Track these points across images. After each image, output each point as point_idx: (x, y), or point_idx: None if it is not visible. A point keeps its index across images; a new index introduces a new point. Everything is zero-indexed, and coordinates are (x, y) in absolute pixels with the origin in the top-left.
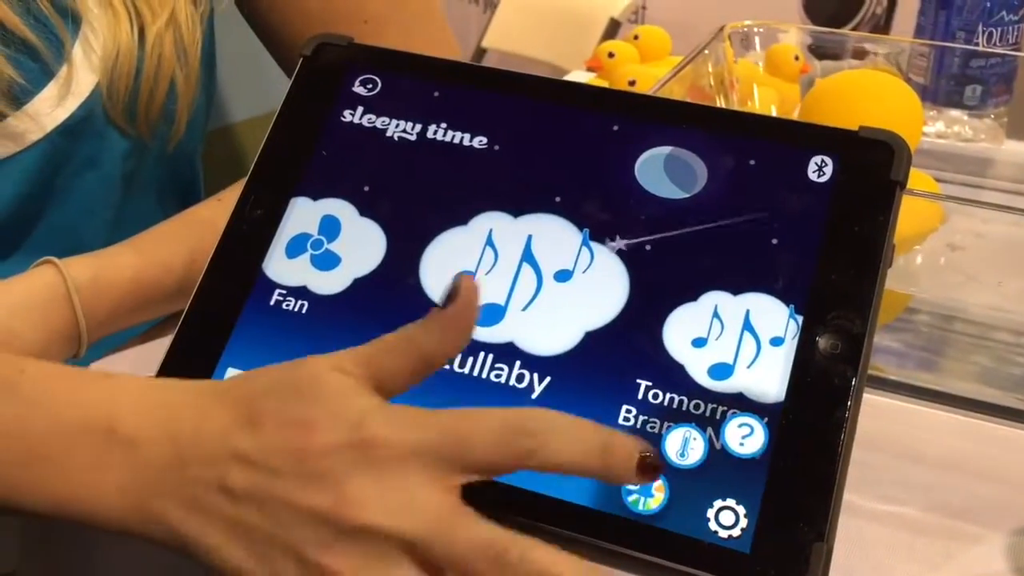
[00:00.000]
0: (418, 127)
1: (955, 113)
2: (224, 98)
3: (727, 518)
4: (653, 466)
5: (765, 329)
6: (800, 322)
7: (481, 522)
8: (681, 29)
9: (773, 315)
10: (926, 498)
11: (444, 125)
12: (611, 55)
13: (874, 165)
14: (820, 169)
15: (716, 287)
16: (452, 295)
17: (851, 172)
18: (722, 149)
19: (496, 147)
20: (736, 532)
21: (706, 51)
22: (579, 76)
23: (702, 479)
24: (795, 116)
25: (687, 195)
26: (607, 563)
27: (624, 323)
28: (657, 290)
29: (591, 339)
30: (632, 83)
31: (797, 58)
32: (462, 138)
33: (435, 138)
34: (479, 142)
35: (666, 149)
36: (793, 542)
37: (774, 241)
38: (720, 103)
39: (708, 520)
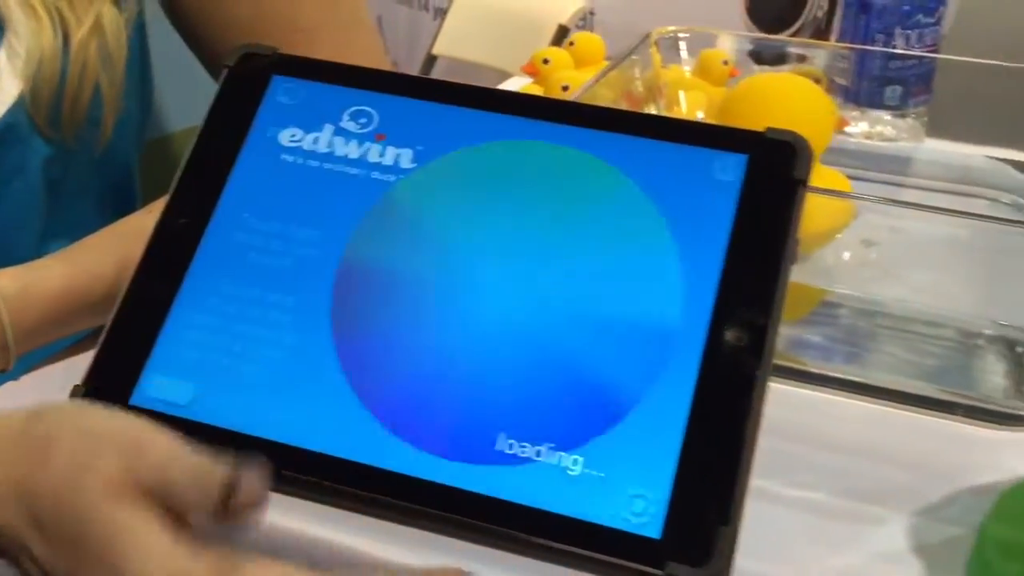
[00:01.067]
0: (344, 138)
1: (877, 113)
2: (165, 107)
3: (638, 505)
4: None
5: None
6: (708, 315)
7: None
8: (628, 34)
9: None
10: (836, 483)
11: (369, 136)
12: (546, 61)
13: (778, 164)
14: (727, 169)
15: None
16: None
17: (756, 171)
18: (633, 150)
19: (419, 153)
20: (646, 519)
21: (635, 56)
22: (516, 81)
23: (614, 468)
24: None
25: None
26: (522, 553)
27: None
28: None
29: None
30: (565, 88)
31: (726, 63)
32: (386, 151)
33: (359, 150)
34: (402, 154)
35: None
36: (700, 527)
37: (683, 239)
38: (651, 108)
39: (619, 507)
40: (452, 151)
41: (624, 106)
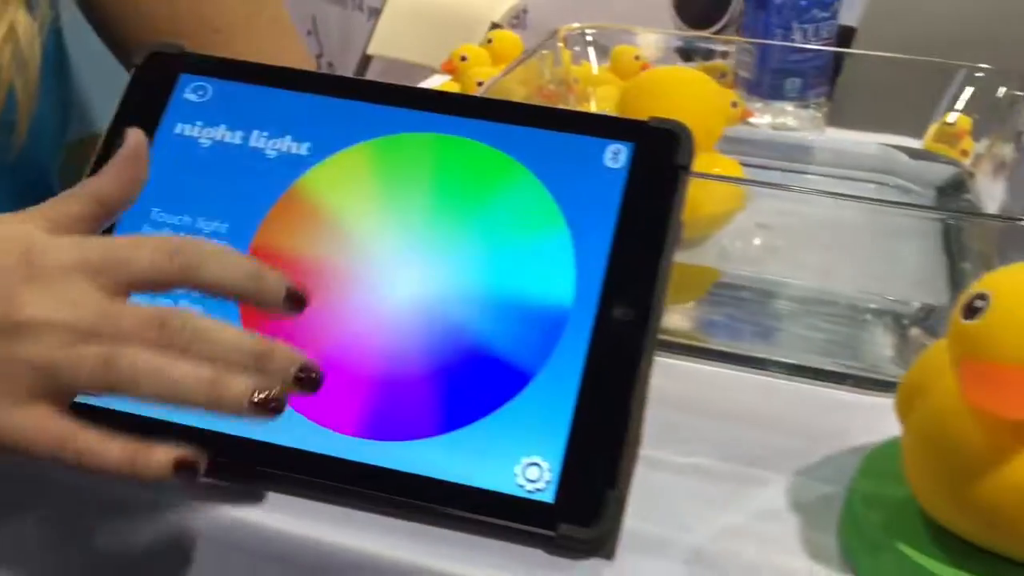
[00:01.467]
0: (250, 134)
1: (780, 105)
2: (87, 108)
3: (533, 473)
4: (299, 298)
5: None
6: (598, 294)
7: (143, 307)
8: None
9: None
10: (724, 450)
11: (275, 131)
12: (464, 59)
13: (661, 151)
14: (615, 156)
15: None
16: (122, 146)
17: (642, 158)
18: (527, 140)
19: (324, 146)
20: (541, 485)
21: (545, 52)
22: (436, 79)
23: (511, 439)
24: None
25: None
26: (429, 522)
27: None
28: None
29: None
30: (481, 84)
31: (637, 58)
32: (291, 144)
33: (265, 145)
34: (306, 148)
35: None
36: (589, 491)
37: (575, 223)
38: (563, 103)
39: (515, 475)
40: (355, 144)
41: (538, 102)
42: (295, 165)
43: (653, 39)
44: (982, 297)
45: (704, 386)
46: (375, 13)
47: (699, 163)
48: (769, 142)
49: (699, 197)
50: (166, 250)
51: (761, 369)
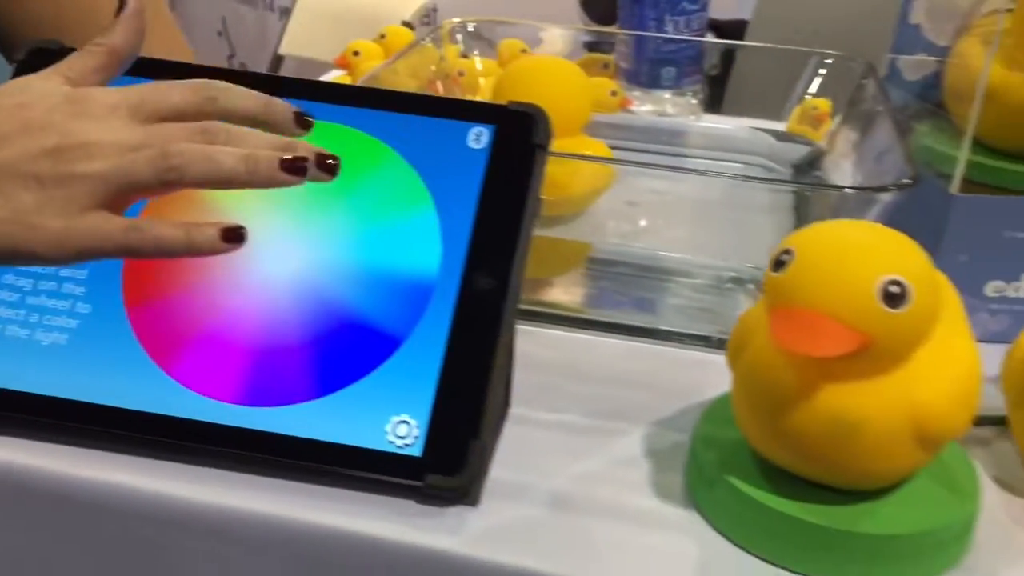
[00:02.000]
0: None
1: (658, 93)
2: None
3: (402, 430)
4: (306, 120)
5: None
6: (462, 265)
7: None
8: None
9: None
10: (588, 407)
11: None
12: (356, 53)
13: (520, 132)
14: (478, 138)
15: None
16: (121, 4)
17: (502, 139)
18: (396, 125)
19: None
20: (410, 440)
21: (427, 43)
22: (332, 74)
23: (383, 399)
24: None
25: None
26: (311, 481)
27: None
28: None
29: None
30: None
31: (524, 51)
32: None
33: None
34: None
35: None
36: (454, 443)
37: (442, 200)
38: (451, 93)
39: (386, 433)
40: None
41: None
42: None
43: (541, 32)
44: (787, 252)
45: (577, 352)
46: (286, 13)
47: (569, 146)
48: (649, 128)
49: (569, 177)
50: (192, 87)
51: (631, 335)
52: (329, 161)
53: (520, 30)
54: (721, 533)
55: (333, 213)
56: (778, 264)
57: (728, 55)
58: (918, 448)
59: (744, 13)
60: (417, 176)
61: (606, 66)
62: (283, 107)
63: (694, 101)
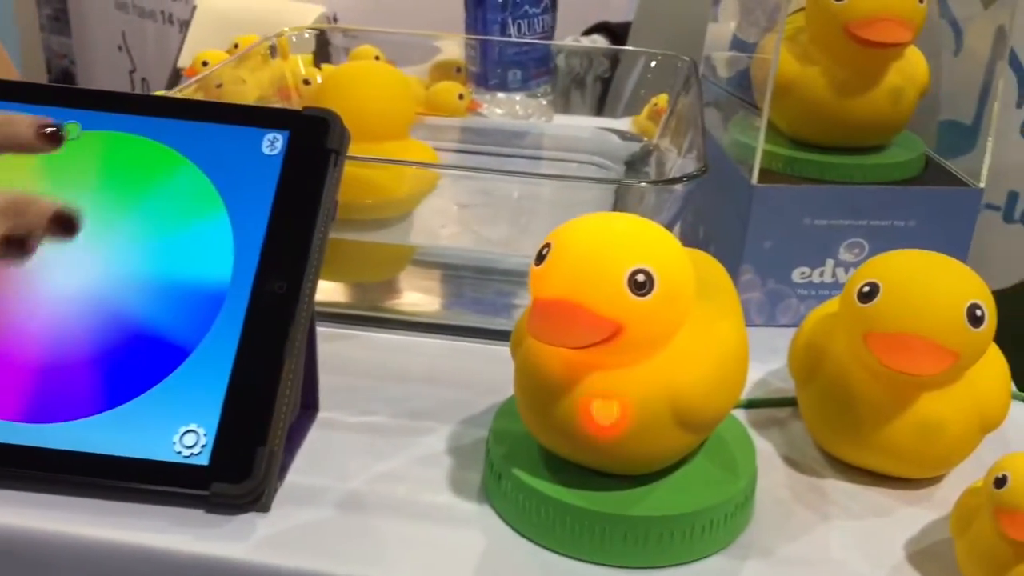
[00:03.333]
0: None
1: (507, 96)
2: None
3: (189, 439)
4: (52, 134)
5: None
6: (254, 271)
7: None
8: (368, 38)
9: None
10: (400, 408)
11: None
12: (205, 63)
13: (314, 137)
14: (272, 144)
15: None
16: None
17: (296, 144)
18: (190, 134)
19: None
20: (197, 450)
21: (265, 53)
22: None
23: (170, 410)
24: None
25: None
26: (97, 496)
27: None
28: None
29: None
30: (219, 86)
31: (377, 58)
32: None
33: None
34: None
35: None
36: (241, 450)
37: (235, 208)
38: (292, 102)
39: (173, 443)
40: None
41: (276, 101)
42: None
43: (387, 38)
44: (547, 246)
45: (390, 353)
46: (186, 26)
47: (392, 149)
48: (496, 130)
49: (391, 180)
50: None
51: (453, 335)
52: (47, 130)
53: (375, 37)
54: (509, 525)
55: (124, 224)
56: (540, 258)
57: (616, 58)
58: (682, 431)
59: (628, 16)
60: (211, 184)
61: (459, 70)
62: (24, 121)
63: (544, 102)
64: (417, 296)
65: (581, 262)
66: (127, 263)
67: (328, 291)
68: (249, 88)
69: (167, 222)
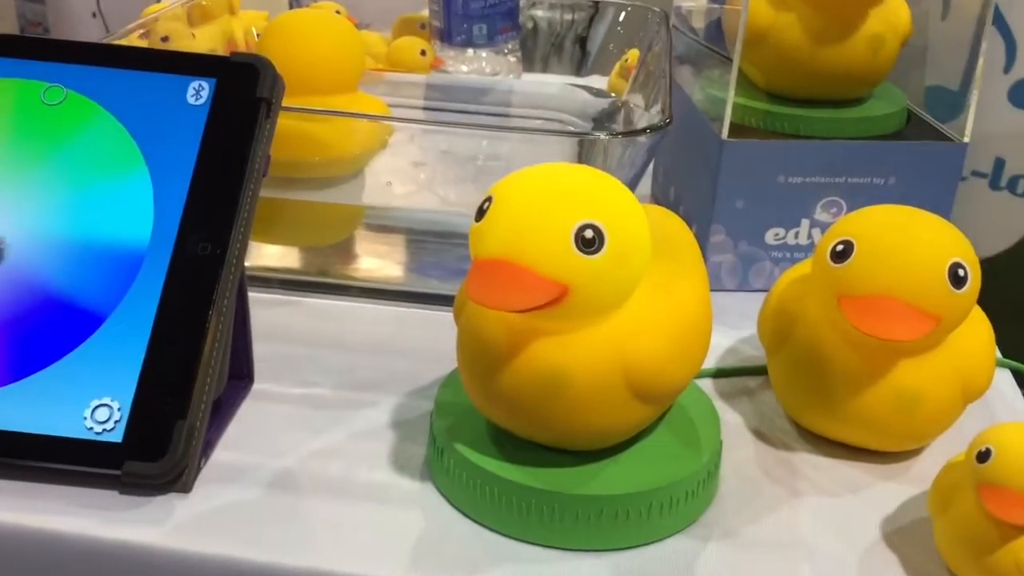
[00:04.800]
0: None
1: (473, 52)
2: None
3: (102, 414)
4: None
5: None
6: (175, 232)
7: None
8: None
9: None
10: (340, 378)
11: None
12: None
13: (243, 86)
14: (198, 93)
15: None
16: None
17: (223, 93)
18: (107, 81)
19: None
20: (110, 425)
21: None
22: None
23: (81, 382)
24: None
25: None
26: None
27: None
28: None
29: None
30: (165, 39)
31: (338, 11)
32: None
33: None
34: None
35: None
36: (160, 425)
37: (156, 162)
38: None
39: (84, 419)
40: None
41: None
42: None
43: None
44: (488, 200)
45: (337, 321)
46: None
47: (340, 103)
48: (461, 87)
49: (340, 136)
50: None
51: (403, 301)
52: None
53: None
54: (452, 504)
55: (35, 180)
56: (480, 213)
57: (585, 10)
58: (638, 403)
59: None
60: (129, 136)
61: (423, 26)
62: None
63: (512, 59)
64: (371, 261)
65: (523, 217)
66: (37, 222)
67: (275, 256)
68: (198, 43)
69: (81, 177)
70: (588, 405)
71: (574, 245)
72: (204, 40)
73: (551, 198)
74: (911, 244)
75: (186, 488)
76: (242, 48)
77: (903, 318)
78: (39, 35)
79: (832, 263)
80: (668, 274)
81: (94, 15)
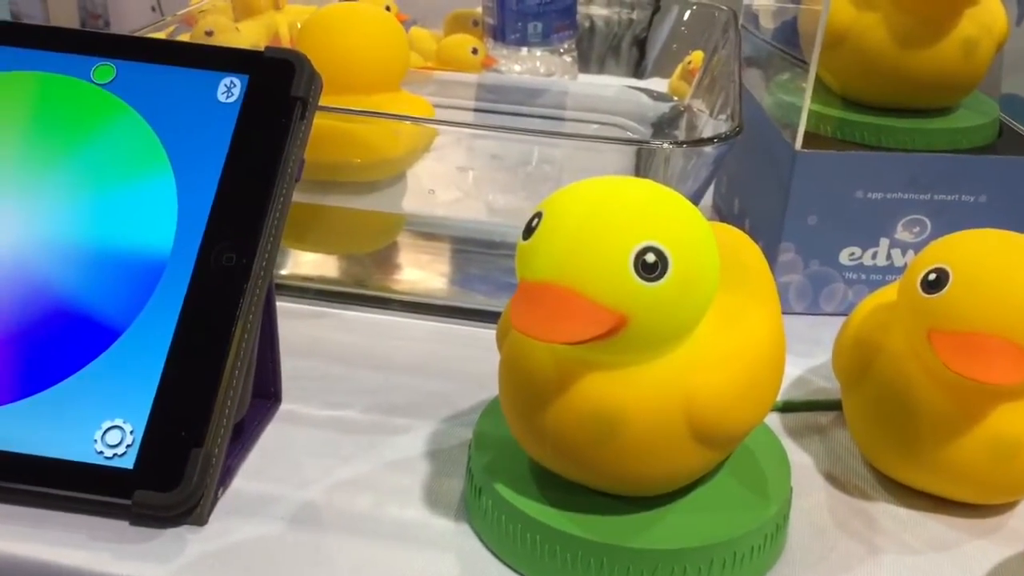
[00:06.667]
0: None
1: (527, 51)
2: None
3: (113, 437)
4: None
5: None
6: (199, 239)
7: None
8: None
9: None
10: (373, 399)
11: None
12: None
13: (277, 83)
14: (229, 90)
15: None
16: None
17: (256, 91)
18: (136, 76)
19: None
20: (121, 450)
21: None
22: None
23: (93, 402)
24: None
25: None
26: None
27: None
28: None
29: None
30: (209, 33)
31: (388, 8)
32: None
33: None
34: None
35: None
36: (173, 452)
37: (182, 164)
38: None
39: (95, 441)
40: None
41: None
42: None
43: None
44: (538, 216)
45: (373, 336)
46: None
47: (382, 103)
48: (512, 87)
49: (382, 138)
50: None
51: (446, 317)
52: None
53: None
54: (489, 549)
55: (51, 181)
56: (528, 230)
57: (647, 8)
58: (700, 446)
59: None
60: (154, 135)
61: (475, 23)
62: None
63: (568, 60)
64: (412, 272)
65: (576, 237)
66: (52, 226)
67: (310, 263)
68: (242, 38)
69: (101, 178)
70: (644, 448)
71: (633, 270)
72: (248, 35)
73: (608, 216)
74: (1014, 276)
75: (201, 521)
76: (287, 44)
77: (1004, 358)
78: (98, 28)
79: (923, 293)
80: (738, 304)
81: (153, 8)
